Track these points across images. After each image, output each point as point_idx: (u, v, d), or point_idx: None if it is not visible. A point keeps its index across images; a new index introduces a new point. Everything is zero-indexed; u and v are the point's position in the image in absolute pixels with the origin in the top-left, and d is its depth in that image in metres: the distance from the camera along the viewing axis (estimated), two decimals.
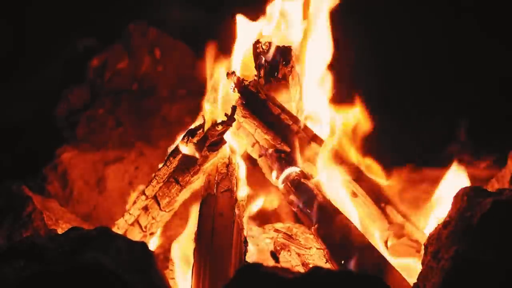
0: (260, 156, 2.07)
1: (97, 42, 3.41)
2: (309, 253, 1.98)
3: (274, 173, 2.03)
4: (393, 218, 2.06)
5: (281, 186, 2.00)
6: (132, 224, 2.08)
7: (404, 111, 3.08)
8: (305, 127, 2.12)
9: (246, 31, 2.26)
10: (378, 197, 2.08)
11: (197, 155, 1.99)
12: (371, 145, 2.29)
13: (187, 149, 2.00)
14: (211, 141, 2.01)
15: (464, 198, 1.57)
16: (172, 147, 2.09)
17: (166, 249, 2.49)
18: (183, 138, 2.04)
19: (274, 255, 2.04)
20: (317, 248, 1.97)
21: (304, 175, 1.99)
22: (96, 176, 3.04)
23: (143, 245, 1.52)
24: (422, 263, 1.63)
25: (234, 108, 2.03)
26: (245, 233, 1.90)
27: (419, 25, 3.17)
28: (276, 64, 2.14)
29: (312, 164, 2.06)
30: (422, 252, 1.71)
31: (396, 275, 1.78)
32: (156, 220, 2.05)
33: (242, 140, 2.12)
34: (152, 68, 3.38)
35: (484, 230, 1.45)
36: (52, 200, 2.66)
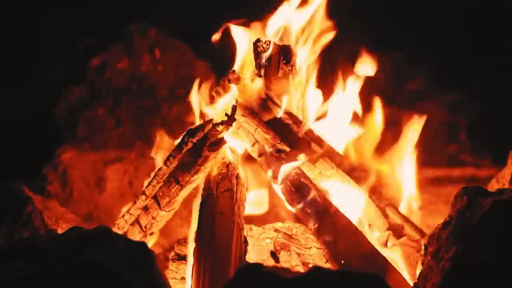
0: (260, 155, 2.07)
1: (97, 42, 3.40)
2: (309, 253, 1.98)
3: (274, 173, 2.03)
4: (393, 218, 2.06)
5: (280, 185, 2.00)
6: (132, 224, 2.08)
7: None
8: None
9: (246, 31, 2.26)
10: (378, 197, 2.08)
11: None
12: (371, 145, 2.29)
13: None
14: (211, 141, 2.01)
15: (464, 198, 1.57)
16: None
17: (166, 249, 2.49)
18: (183, 138, 2.04)
19: (274, 255, 2.04)
20: (317, 248, 1.97)
21: (304, 175, 1.99)
22: (96, 176, 3.04)
23: (143, 245, 1.52)
24: (422, 263, 1.63)
25: (234, 108, 2.03)
26: (245, 233, 1.90)
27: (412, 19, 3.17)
28: (277, 62, 2.14)
29: (312, 164, 2.06)
30: (422, 252, 1.71)
31: (396, 275, 1.78)
32: (156, 220, 2.05)
33: (242, 140, 2.12)
34: (152, 68, 3.38)
35: (484, 230, 1.45)
36: (52, 200, 2.66)
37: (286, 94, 2.16)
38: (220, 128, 2.00)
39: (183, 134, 2.05)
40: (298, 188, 1.95)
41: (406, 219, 2.08)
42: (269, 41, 2.14)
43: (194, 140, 2.01)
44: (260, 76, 2.14)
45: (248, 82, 2.13)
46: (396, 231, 2.06)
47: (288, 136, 2.08)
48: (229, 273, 1.72)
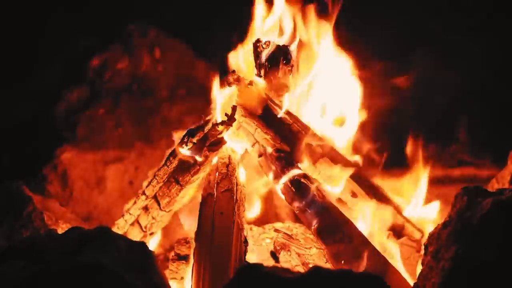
0: (260, 155, 2.07)
1: (97, 42, 3.41)
2: (309, 253, 1.98)
3: (274, 173, 2.03)
4: (393, 218, 2.06)
5: (280, 185, 2.00)
6: (132, 224, 2.08)
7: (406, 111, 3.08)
8: (305, 126, 2.12)
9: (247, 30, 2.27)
10: (378, 197, 2.08)
11: (197, 157, 1.99)
12: (371, 144, 2.29)
13: (185, 151, 2.00)
14: (211, 141, 2.01)
15: (464, 198, 1.57)
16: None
17: (166, 249, 2.49)
18: (183, 138, 2.04)
19: (274, 255, 2.04)
20: (317, 248, 1.97)
21: (304, 175, 1.99)
22: (96, 176, 3.04)
23: (143, 245, 1.53)
24: (422, 263, 1.63)
25: (234, 108, 2.03)
26: (245, 233, 1.90)
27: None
28: (277, 63, 2.14)
29: (312, 164, 2.06)
30: (422, 252, 1.71)
31: (396, 275, 1.78)
32: (156, 220, 2.05)
33: (242, 140, 2.12)
34: (152, 68, 3.38)
35: (484, 230, 1.45)
36: (52, 200, 2.66)
37: (286, 94, 2.16)
38: (220, 128, 2.00)
39: (183, 134, 2.05)
40: (298, 188, 1.95)
41: (406, 219, 2.08)
42: (269, 41, 2.14)
43: (194, 140, 2.01)
44: (260, 76, 2.15)
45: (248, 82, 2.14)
46: (396, 231, 2.06)
47: (288, 136, 2.08)
48: (229, 273, 1.72)
